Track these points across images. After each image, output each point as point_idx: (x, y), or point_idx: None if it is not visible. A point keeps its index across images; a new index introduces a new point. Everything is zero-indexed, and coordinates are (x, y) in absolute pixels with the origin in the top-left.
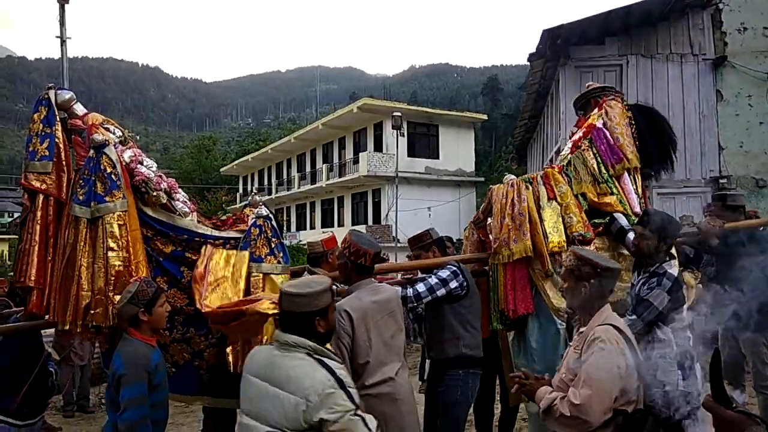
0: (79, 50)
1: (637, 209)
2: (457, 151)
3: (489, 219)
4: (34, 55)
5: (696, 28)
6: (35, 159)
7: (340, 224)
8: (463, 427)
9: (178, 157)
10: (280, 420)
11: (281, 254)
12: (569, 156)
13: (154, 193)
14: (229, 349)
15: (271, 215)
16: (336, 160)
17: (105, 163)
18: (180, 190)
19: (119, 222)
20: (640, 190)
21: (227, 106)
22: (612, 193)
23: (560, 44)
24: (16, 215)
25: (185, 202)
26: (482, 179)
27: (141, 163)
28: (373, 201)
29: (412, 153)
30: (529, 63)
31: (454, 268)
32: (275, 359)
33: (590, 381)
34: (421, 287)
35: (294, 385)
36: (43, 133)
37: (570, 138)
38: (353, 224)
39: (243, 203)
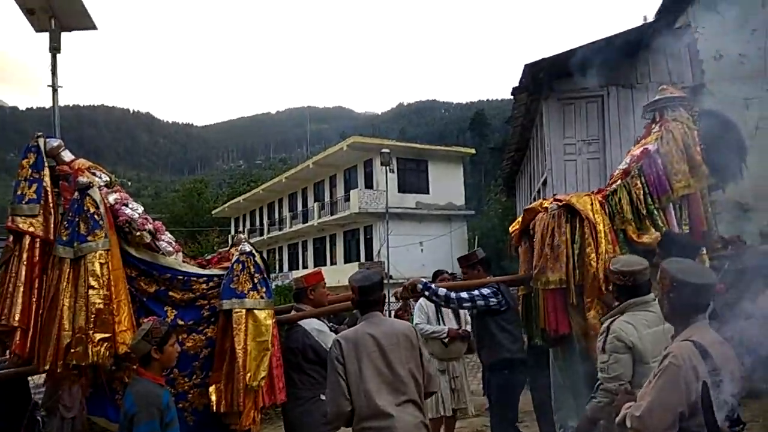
0: (70, 98)
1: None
2: (447, 185)
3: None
4: (25, 105)
5: (673, 57)
6: (23, 202)
7: (333, 262)
8: (512, 421)
9: (169, 201)
10: None
11: (264, 289)
12: (618, 182)
13: (138, 233)
14: (212, 389)
15: (254, 252)
16: (327, 198)
17: (88, 204)
18: (167, 232)
19: (101, 261)
20: (703, 210)
21: (219, 149)
22: (656, 226)
23: (542, 78)
24: None
25: (170, 242)
26: (472, 212)
27: (126, 205)
28: (365, 238)
29: (402, 189)
30: (513, 97)
31: (495, 288)
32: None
33: (651, 394)
34: (464, 295)
35: None
36: (31, 178)
37: (629, 153)
38: (346, 262)
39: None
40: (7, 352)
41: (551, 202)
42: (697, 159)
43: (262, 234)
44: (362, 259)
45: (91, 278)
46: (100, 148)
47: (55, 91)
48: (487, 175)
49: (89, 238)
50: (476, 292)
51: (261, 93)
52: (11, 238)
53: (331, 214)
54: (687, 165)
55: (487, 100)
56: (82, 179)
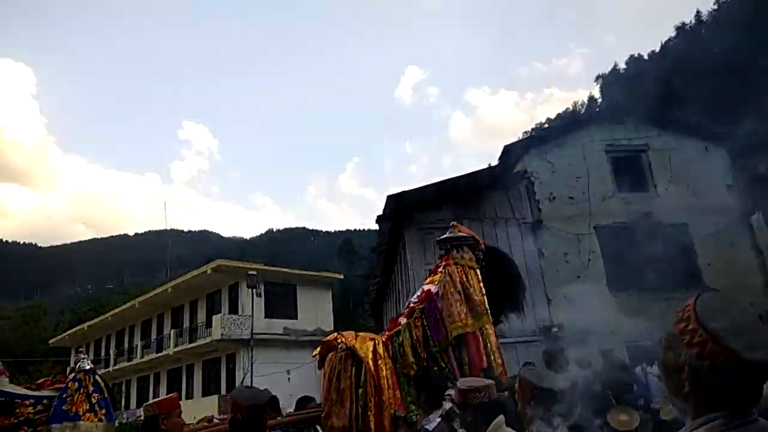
0: None
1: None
2: (315, 310)
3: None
4: None
5: (515, 197)
6: None
7: (189, 396)
8: None
9: None
10: None
11: (103, 411)
12: (403, 323)
13: None
14: None
15: (94, 369)
16: (186, 324)
17: None
18: None
19: None
20: (482, 347)
21: (64, 272)
22: (440, 368)
23: (403, 209)
24: None
25: None
26: None
27: None
28: (227, 367)
29: (269, 314)
30: (378, 225)
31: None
32: None
33: None
34: None
35: None
36: None
37: (425, 281)
38: (204, 395)
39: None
40: None
41: (341, 342)
42: (476, 299)
43: (107, 365)
44: (223, 391)
45: None
46: None
47: None
48: (356, 301)
49: None
50: None
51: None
52: None
53: (190, 342)
54: (465, 306)
55: (355, 229)
56: None
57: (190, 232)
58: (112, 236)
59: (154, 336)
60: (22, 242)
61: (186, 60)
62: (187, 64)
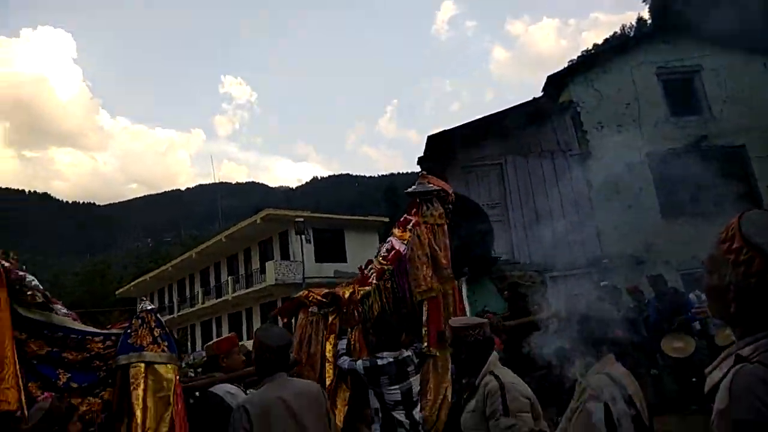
0: None
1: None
2: (364, 253)
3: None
4: None
5: (561, 129)
6: None
7: (249, 337)
8: None
9: (69, 287)
10: None
11: (165, 344)
12: (373, 283)
13: (29, 292)
14: None
15: (155, 309)
16: (242, 271)
17: None
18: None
19: None
20: (443, 311)
21: (123, 228)
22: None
23: (445, 148)
24: None
25: (65, 310)
26: None
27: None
28: None
29: (319, 258)
30: (420, 168)
31: None
32: None
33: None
34: None
35: None
36: None
37: (392, 234)
38: None
39: None
40: None
41: (314, 300)
42: (443, 263)
43: (172, 312)
44: None
45: None
46: None
47: None
48: None
49: None
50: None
51: (168, 171)
52: None
53: (246, 287)
54: (431, 269)
55: (398, 173)
56: None
57: (238, 184)
58: (164, 192)
59: (213, 283)
60: (81, 202)
61: (218, 12)
62: (219, 16)
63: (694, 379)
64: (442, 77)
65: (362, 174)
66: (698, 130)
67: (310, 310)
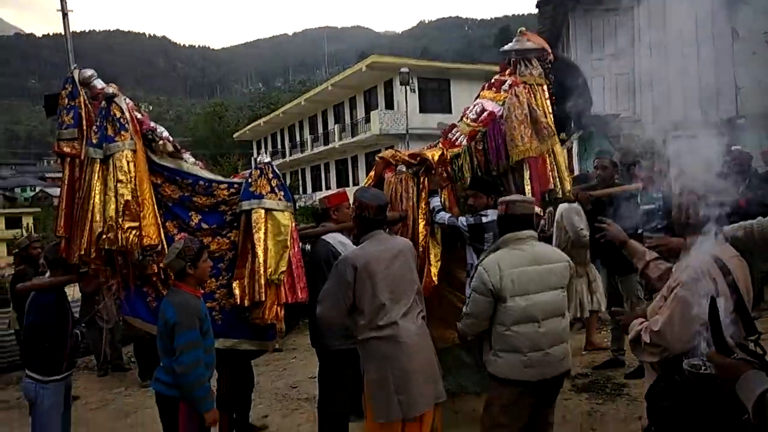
0: (85, 24)
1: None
2: (470, 104)
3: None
4: (41, 32)
5: None
6: (63, 128)
7: (355, 183)
8: None
9: (191, 125)
10: (559, 281)
11: (282, 193)
12: (464, 145)
13: (161, 141)
14: (235, 284)
15: (272, 162)
16: (348, 120)
17: (114, 110)
18: (188, 152)
19: (127, 159)
20: (549, 169)
21: (236, 72)
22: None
23: None
24: (38, 189)
25: (193, 159)
26: None
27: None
28: None
29: (423, 109)
30: (538, 10)
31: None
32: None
33: (670, 308)
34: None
35: (558, 255)
36: (68, 106)
37: (484, 95)
38: None
39: None
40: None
41: (401, 160)
42: (542, 122)
43: (284, 156)
44: None
45: (119, 173)
46: (117, 73)
47: (65, 15)
48: None
49: (116, 139)
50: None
51: (276, 14)
52: (59, 161)
53: (352, 136)
54: (531, 128)
55: (513, 15)
56: (109, 89)
57: (344, 28)
58: (273, 36)
59: (320, 130)
60: (197, 45)
61: None
62: None
63: None
64: None
65: (472, 17)
66: None
67: (397, 168)
